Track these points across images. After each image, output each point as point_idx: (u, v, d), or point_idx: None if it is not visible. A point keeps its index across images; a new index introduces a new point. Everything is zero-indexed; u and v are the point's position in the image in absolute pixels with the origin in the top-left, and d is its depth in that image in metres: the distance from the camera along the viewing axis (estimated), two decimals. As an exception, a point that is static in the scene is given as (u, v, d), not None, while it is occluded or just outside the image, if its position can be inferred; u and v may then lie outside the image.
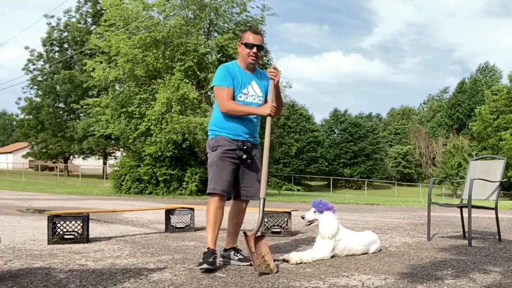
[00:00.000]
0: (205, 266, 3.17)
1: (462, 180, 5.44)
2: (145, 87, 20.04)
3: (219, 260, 3.49)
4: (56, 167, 47.01)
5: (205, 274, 3.13)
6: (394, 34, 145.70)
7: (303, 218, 3.88)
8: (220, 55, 20.61)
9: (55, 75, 40.02)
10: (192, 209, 5.86)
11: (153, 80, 20.04)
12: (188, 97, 18.44)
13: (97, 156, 47.95)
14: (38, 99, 41.25)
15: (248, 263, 3.45)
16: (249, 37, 3.49)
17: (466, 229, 4.99)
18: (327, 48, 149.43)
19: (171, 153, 19.18)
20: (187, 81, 19.35)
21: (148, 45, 19.26)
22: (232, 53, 18.92)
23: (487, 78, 72.11)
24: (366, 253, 4.01)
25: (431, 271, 3.30)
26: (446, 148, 51.74)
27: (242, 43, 3.51)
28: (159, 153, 19.07)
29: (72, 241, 4.60)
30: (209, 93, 20.05)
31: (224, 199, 3.45)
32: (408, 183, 54.09)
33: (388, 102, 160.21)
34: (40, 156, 45.32)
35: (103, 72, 19.58)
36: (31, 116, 42.35)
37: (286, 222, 5.43)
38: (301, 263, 3.54)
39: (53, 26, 41.45)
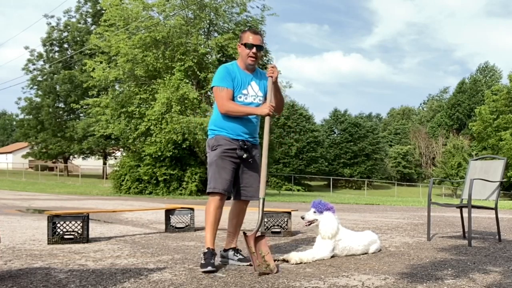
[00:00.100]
0: (209, 268, 3.17)
1: (462, 180, 5.44)
2: (145, 87, 20.05)
3: (218, 260, 3.49)
4: (56, 167, 47.01)
5: (205, 275, 3.13)
6: (394, 34, 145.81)
7: (303, 218, 3.88)
8: (220, 55, 20.61)
9: (55, 75, 40.03)
10: (192, 209, 5.86)
11: (153, 80, 20.04)
12: (188, 97, 18.45)
13: (97, 156, 47.96)
14: (38, 99, 41.25)
15: (248, 263, 3.45)
16: (249, 38, 3.48)
17: (466, 229, 4.99)
18: (327, 48, 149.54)
19: (171, 153, 19.18)
20: (187, 81, 19.35)
21: (148, 45, 19.27)
22: (232, 53, 18.92)
23: (487, 78, 72.13)
24: (366, 253, 4.01)
25: (431, 271, 3.30)
26: (446, 148, 51.75)
27: (241, 44, 3.51)
28: (159, 153, 19.07)
29: (72, 241, 4.60)
30: (209, 93, 20.06)
31: (224, 199, 3.45)
32: (408, 183, 54.10)
33: (388, 102, 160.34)
34: (40, 156, 45.33)
35: (103, 72, 19.58)
36: (31, 116, 42.34)
37: (286, 222, 5.43)
38: (301, 263, 3.54)
39: (53, 26, 41.46)
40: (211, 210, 3.39)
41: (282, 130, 48.07)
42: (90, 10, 41.10)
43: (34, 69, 41.56)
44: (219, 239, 4.50)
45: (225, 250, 3.61)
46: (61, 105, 41.68)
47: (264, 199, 3.44)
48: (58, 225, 4.60)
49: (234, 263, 3.53)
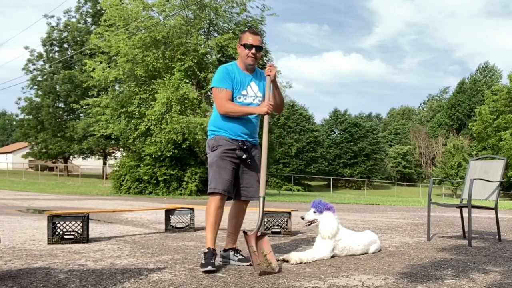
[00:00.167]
0: (209, 268, 3.17)
1: (462, 180, 5.44)
2: (145, 87, 20.05)
3: (218, 260, 3.49)
4: (56, 167, 47.01)
5: (205, 275, 3.13)
6: (394, 34, 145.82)
7: (302, 218, 3.88)
8: (220, 55, 20.62)
9: (55, 75, 40.02)
10: (192, 209, 5.86)
11: (153, 80, 20.05)
12: (188, 97, 18.45)
13: (97, 156, 47.96)
14: (38, 99, 41.24)
15: (248, 263, 3.45)
16: (248, 38, 3.48)
17: (466, 229, 4.99)
18: (327, 48, 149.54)
19: (171, 153, 19.19)
20: (187, 81, 19.36)
21: (148, 45, 19.27)
22: (232, 53, 18.93)
23: (487, 78, 72.13)
24: (366, 253, 4.01)
25: (431, 271, 3.30)
26: (446, 148, 51.74)
27: (241, 44, 3.51)
28: (159, 153, 19.08)
29: (72, 241, 4.60)
30: (209, 93, 20.06)
31: (224, 199, 3.45)
32: (408, 183, 54.10)
33: (388, 102, 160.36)
34: (40, 156, 45.32)
35: (103, 72, 19.59)
36: (31, 116, 42.34)
37: (286, 222, 5.43)
38: (301, 263, 3.54)
39: (53, 26, 41.46)
40: (211, 210, 3.39)
41: (282, 130, 48.06)
42: (90, 10, 41.10)
43: (34, 69, 41.60)
44: (219, 239, 4.50)
45: (225, 250, 3.61)
46: (61, 105, 41.69)
47: (264, 198, 3.44)
48: (58, 225, 4.60)
49: (234, 263, 3.53)
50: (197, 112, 19.32)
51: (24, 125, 44.03)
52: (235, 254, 3.57)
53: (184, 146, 19.07)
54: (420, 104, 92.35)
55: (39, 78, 41.04)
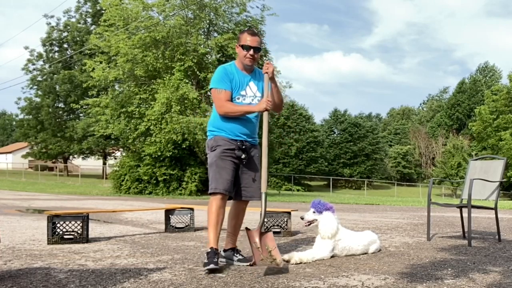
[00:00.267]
0: (212, 266, 3.16)
1: (462, 180, 5.43)
2: (144, 87, 20.05)
3: (221, 260, 3.49)
4: (56, 167, 46.99)
5: (206, 274, 3.13)
6: (394, 34, 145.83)
7: (302, 218, 3.88)
8: (219, 55, 20.62)
9: (55, 75, 40.00)
10: (192, 209, 5.86)
11: (152, 80, 20.04)
12: (187, 97, 18.45)
13: (97, 156, 47.94)
14: (38, 99, 41.23)
15: (248, 263, 3.45)
16: (246, 39, 3.48)
17: (466, 229, 4.99)
18: (327, 48, 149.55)
19: (170, 153, 19.18)
20: (187, 81, 19.36)
21: (148, 45, 19.27)
22: (232, 53, 18.92)
23: (487, 78, 72.12)
24: (365, 253, 4.01)
25: (431, 271, 3.30)
26: (446, 148, 51.74)
27: (239, 45, 3.51)
28: (159, 153, 19.08)
29: (72, 241, 4.60)
30: (208, 93, 20.05)
31: (225, 198, 3.45)
32: (407, 183, 54.10)
33: (388, 102, 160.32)
34: (40, 156, 45.31)
35: (103, 72, 19.58)
36: (30, 116, 42.31)
37: (285, 222, 5.43)
38: (300, 263, 3.54)
39: (52, 26, 41.44)
40: (213, 210, 3.39)
41: (282, 130, 48.03)
42: (90, 10, 41.09)
43: (34, 69, 41.56)
44: (219, 239, 4.49)
45: (225, 251, 3.61)
46: (61, 105, 41.67)
47: (266, 194, 3.44)
48: (58, 225, 4.60)
49: (233, 263, 3.53)
50: (197, 112, 19.32)
51: (24, 125, 44.01)
52: (235, 254, 3.57)
53: (184, 146, 19.07)
54: (420, 104, 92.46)
55: (39, 78, 41.03)
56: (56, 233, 4.58)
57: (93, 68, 20.05)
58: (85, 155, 45.87)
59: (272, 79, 3.54)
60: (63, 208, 9.98)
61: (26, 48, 40.87)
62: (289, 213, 5.46)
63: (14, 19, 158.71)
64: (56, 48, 42.63)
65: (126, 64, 19.10)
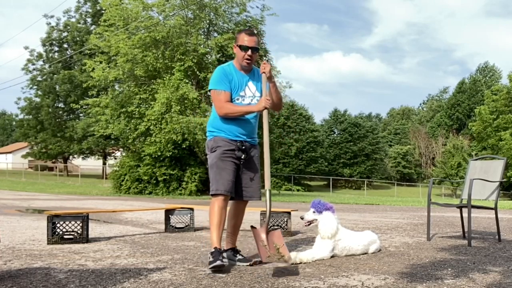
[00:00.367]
0: (219, 262, 3.16)
1: (462, 180, 5.43)
2: (144, 87, 20.05)
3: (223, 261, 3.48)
4: (56, 167, 46.99)
5: (205, 274, 3.13)
6: (394, 34, 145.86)
7: (302, 218, 3.88)
8: (219, 55, 20.62)
9: (55, 75, 40.01)
10: (192, 209, 5.86)
11: (152, 80, 20.05)
12: (187, 97, 18.45)
13: (97, 156, 47.94)
14: (38, 99, 41.23)
15: (248, 263, 3.45)
16: (244, 39, 3.47)
17: (466, 229, 4.99)
18: (327, 48, 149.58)
19: (170, 153, 19.19)
20: (187, 81, 19.36)
21: (148, 45, 19.27)
22: (232, 53, 18.91)
23: (487, 78, 72.13)
24: (365, 253, 4.01)
25: (431, 271, 3.30)
26: (446, 148, 51.74)
27: (237, 45, 3.50)
28: (159, 153, 19.08)
29: (72, 241, 4.60)
30: (208, 93, 20.06)
31: (227, 199, 3.45)
32: (407, 183, 54.10)
33: (388, 102, 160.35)
34: (40, 156, 45.30)
35: (103, 72, 19.59)
36: (30, 116, 42.31)
37: (285, 222, 5.43)
38: (300, 263, 3.54)
39: (52, 26, 41.44)
40: (215, 211, 3.38)
41: (281, 130, 48.01)
42: (90, 10, 41.09)
43: (33, 69, 41.57)
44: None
45: (225, 251, 3.61)
46: (61, 105, 41.67)
47: (270, 191, 3.44)
48: (58, 225, 4.60)
49: (233, 263, 3.53)
50: (197, 112, 19.32)
51: (24, 125, 44.02)
52: (235, 254, 3.57)
53: (184, 146, 19.07)
54: (420, 104, 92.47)
55: (39, 78, 41.03)
56: (56, 233, 4.57)
57: (93, 68, 20.05)
58: (85, 155, 45.87)
59: (269, 78, 3.53)
60: (63, 208, 9.98)
61: (26, 48, 40.93)
62: (289, 213, 5.46)
63: (14, 19, 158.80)
64: (56, 48, 42.64)
65: (126, 64, 19.10)
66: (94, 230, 5.72)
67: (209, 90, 3.58)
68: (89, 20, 41.69)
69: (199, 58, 19.65)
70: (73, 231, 4.64)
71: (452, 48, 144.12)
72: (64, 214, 4.74)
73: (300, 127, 50.28)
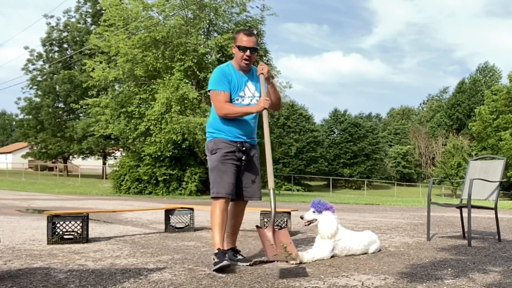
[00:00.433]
0: (225, 262, 3.15)
1: (462, 180, 5.43)
2: (144, 87, 20.05)
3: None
4: (56, 167, 46.98)
5: (205, 274, 3.13)
6: (394, 34, 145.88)
7: (302, 218, 3.88)
8: (219, 55, 20.62)
9: (55, 75, 40.00)
10: (192, 209, 5.85)
11: (152, 80, 20.04)
12: (187, 97, 18.45)
13: (97, 156, 47.93)
14: (38, 99, 41.22)
15: (248, 263, 3.45)
16: (242, 39, 3.46)
17: (466, 229, 4.99)
18: (327, 48, 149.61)
19: (170, 153, 19.18)
20: (187, 81, 19.36)
21: (148, 45, 19.27)
22: (232, 53, 18.87)
23: (487, 78, 72.13)
24: (365, 253, 4.01)
25: (431, 271, 3.30)
26: (446, 148, 51.74)
27: (235, 45, 3.50)
28: (159, 153, 19.07)
29: (72, 241, 4.60)
30: (208, 93, 20.05)
31: (228, 201, 3.46)
32: (407, 183, 54.10)
33: (388, 102, 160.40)
34: (40, 156, 45.30)
35: (103, 72, 19.59)
36: (30, 116, 42.31)
37: (285, 222, 5.43)
38: (300, 263, 3.54)
39: (52, 26, 41.44)
40: (217, 213, 3.38)
41: (282, 130, 48.01)
42: (90, 10, 41.08)
43: (33, 69, 41.56)
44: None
45: (226, 251, 3.61)
46: (61, 105, 41.67)
47: (274, 190, 3.43)
48: (58, 225, 4.59)
49: (233, 263, 3.53)
50: (197, 112, 19.32)
51: (24, 125, 44.01)
52: (235, 254, 3.57)
53: (184, 146, 19.07)
54: (420, 104, 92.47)
55: (39, 78, 41.02)
56: (56, 233, 4.57)
57: (93, 68, 20.05)
58: (85, 155, 45.87)
59: (267, 79, 3.53)
60: (63, 208, 9.98)
61: (26, 48, 40.92)
62: (289, 213, 5.46)
63: (14, 19, 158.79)
64: (56, 48, 42.64)
65: (126, 64, 19.10)
66: (94, 230, 5.72)
67: (209, 91, 3.57)
68: (89, 20, 41.69)
69: (199, 58, 19.65)
70: (73, 231, 4.64)
71: (452, 48, 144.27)
72: (64, 214, 4.74)
73: (300, 127, 50.28)
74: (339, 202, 15.56)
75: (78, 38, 39.96)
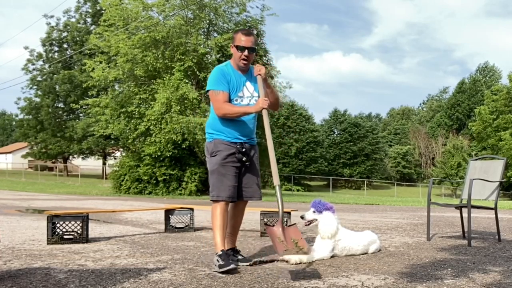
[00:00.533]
0: (232, 266, 3.15)
1: (462, 180, 5.43)
2: (144, 87, 20.05)
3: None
4: (56, 167, 46.98)
5: (204, 274, 3.13)
6: (393, 34, 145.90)
7: (302, 218, 3.88)
8: (219, 55, 20.63)
9: (55, 75, 39.99)
10: (192, 209, 5.85)
11: (152, 80, 20.04)
12: (187, 97, 18.45)
13: (97, 156, 47.92)
14: (38, 99, 41.22)
15: (248, 263, 3.45)
16: (241, 39, 3.45)
17: (466, 229, 4.99)
18: (327, 48, 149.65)
19: (170, 153, 19.19)
20: (187, 81, 19.36)
21: (148, 45, 19.27)
22: (231, 53, 18.91)
23: (487, 78, 72.14)
24: (365, 253, 4.01)
25: (431, 271, 3.30)
26: (446, 148, 51.75)
27: (234, 45, 3.49)
28: (159, 153, 19.08)
29: (72, 241, 4.60)
30: (207, 93, 20.06)
31: (228, 204, 3.45)
32: (407, 183, 54.09)
33: (387, 102, 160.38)
34: (40, 156, 45.29)
35: (103, 72, 19.59)
36: (30, 116, 42.29)
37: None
38: (300, 263, 3.54)
39: (52, 26, 41.43)
40: (217, 215, 3.38)
41: (281, 130, 48.06)
42: (90, 10, 41.08)
43: (33, 69, 41.55)
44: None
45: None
46: (61, 105, 41.66)
47: (280, 186, 3.42)
48: (58, 225, 4.59)
49: (237, 264, 3.53)
50: (197, 112, 19.33)
51: (24, 125, 44.00)
52: (235, 254, 3.57)
53: (184, 146, 19.07)
54: (420, 104, 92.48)
55: (39, 78, 41.01)
56: (56, 233, 4.57)
57: (93, 68, 20.05)
58: (85, 155, 45.86)
59: (265, 80, 3.52)
60: (63, 208, 9.98)
61: (26, 48, 40.92)
62: (289, 213, 5.45)
63: (14, 19, 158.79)
64: (56, 48, 42.63)
65: (126, 64, 19.10)
66: (94, 230, 5.72)
67: (207, 91, 3.57)
68: (89, 20, 41.69)
69: (199, 58, 19.65)
70: (73, 231, 4.64)
71: (452, 48, 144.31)
72: (64, 214, 4.74)
73: (300, 127, 50.27)
74: (339, 202, 15.56)
75: (78, 38, 39.96)
